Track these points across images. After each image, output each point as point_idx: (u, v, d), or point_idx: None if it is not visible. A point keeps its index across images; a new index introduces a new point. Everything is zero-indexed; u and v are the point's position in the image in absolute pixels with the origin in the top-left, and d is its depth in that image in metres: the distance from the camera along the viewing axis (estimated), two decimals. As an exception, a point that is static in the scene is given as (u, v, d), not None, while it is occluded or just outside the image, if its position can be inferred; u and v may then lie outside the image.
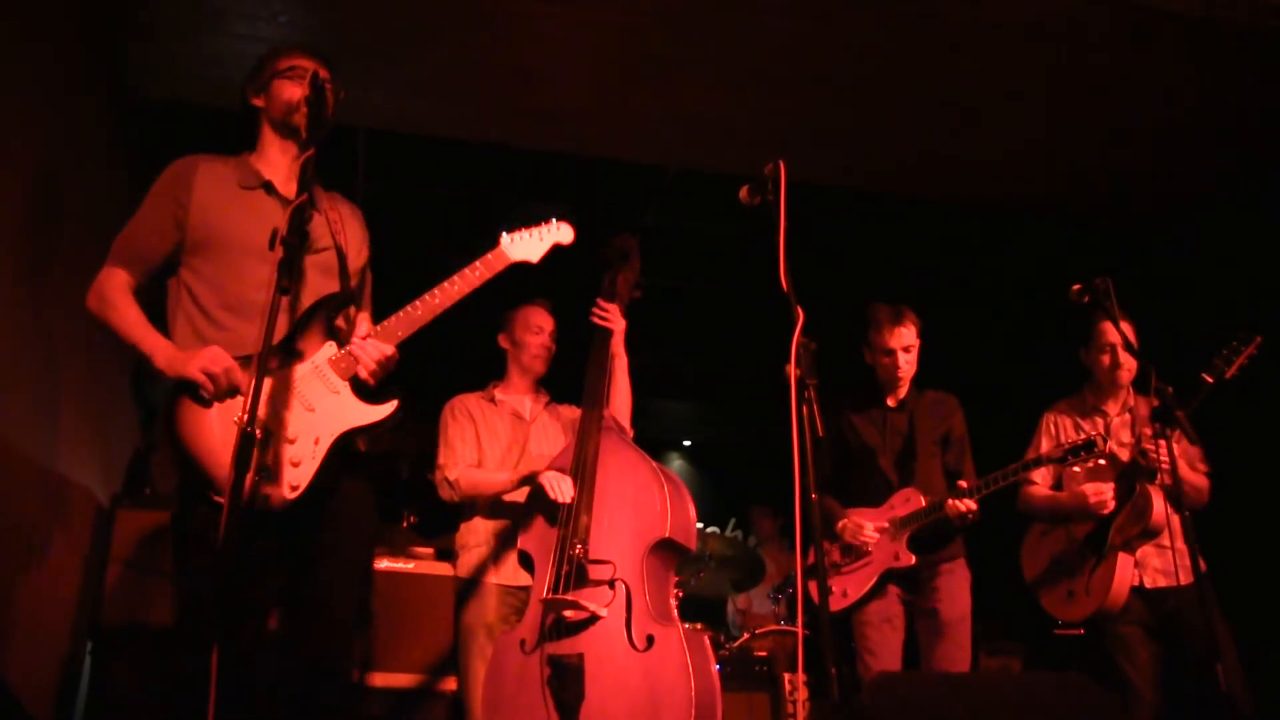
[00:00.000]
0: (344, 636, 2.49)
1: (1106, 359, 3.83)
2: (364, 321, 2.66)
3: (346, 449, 2.48)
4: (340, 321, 2.61)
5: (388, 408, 2.49)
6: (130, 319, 2.48)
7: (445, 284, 2.62)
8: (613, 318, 3.48)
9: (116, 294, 2.51)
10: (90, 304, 2.53)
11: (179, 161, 2.63)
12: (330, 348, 2.50)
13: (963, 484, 3.58)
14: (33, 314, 3.32)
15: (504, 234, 2.82)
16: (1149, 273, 5.34)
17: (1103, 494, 3.62)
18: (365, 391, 2.50)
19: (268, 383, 2.29)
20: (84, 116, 3.89)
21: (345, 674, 2.54)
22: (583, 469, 3.11)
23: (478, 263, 2.70)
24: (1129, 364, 3.78)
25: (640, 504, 3.02)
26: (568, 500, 3.07)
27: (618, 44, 4.25)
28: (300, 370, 2.46)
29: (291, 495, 2.33)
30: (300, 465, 2.36)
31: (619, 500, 3.05)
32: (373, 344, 2.50)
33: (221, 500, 2.18)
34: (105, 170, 3.92)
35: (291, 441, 2.37)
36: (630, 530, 3.00)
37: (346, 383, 2.48)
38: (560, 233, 2.90)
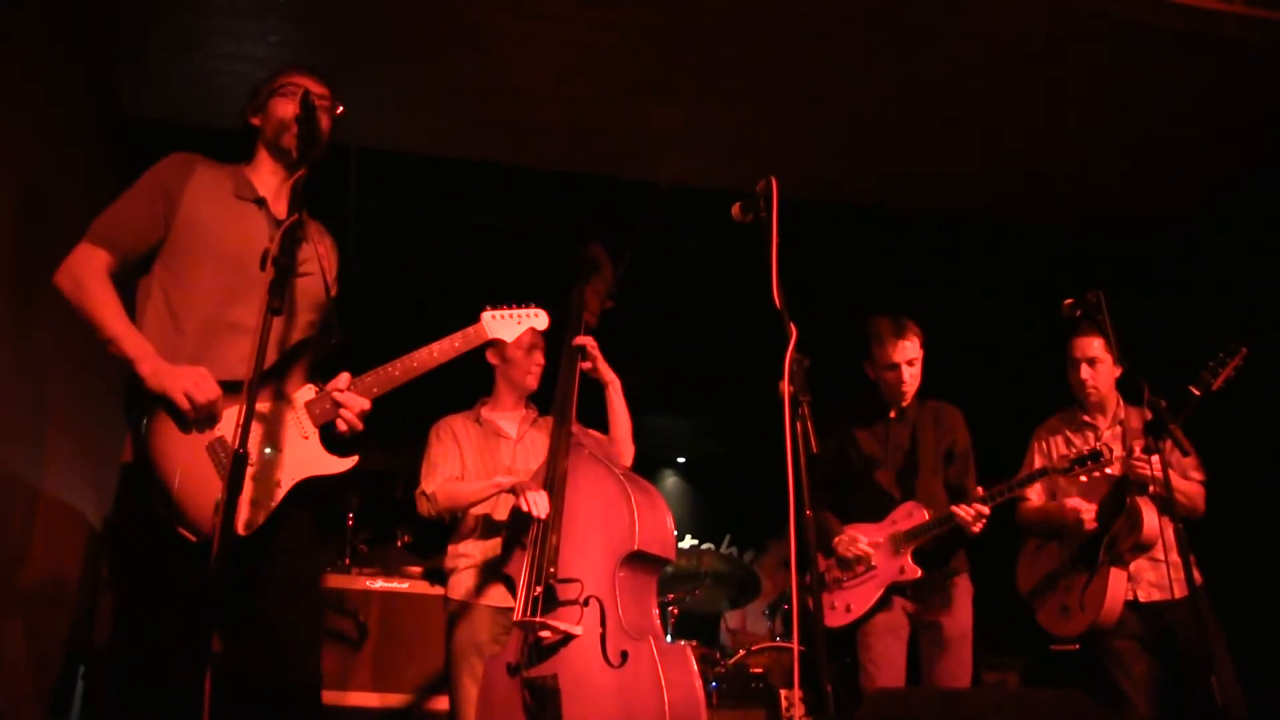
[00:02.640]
0: (307, 659, 2.47)
1: (1074, 374, 3.85)
2: (344, 373, 2.61)
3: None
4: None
5: (348, 462, 2.50)
6: (110, 310, 2.36)
7: (424, 350, 2.66)
8: (603, 371, 3.46)
9: (94, 279, 2.38)
10: (62, 283, 2.39)
11: (175, 156, 2.58)
12: (309, 390, 2.50)
13: (980, 490, 3.57)
14: (21, 334, 3.30)
15: (486, 311, 2.92)
16: (1143, 283, 5.36)
17: (1081, 509, 3.63)
18: (330, 441, 2.49)
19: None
20: (74, 135, 3.89)
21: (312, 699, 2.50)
22: (551, 487, 3.11)
23: (457, 335, 2.76)
24: (1094, 379, 3.80)
25: (609, 519, 3.01)
26: (543, 515, 3.06)
27: (609, 62, 4.27)
28: (278, 408, 2.44)
29: (245, 533, 2.29)
30: (258, 504, 2.33)
31: (588, 517, 3.05)
32: (353, 398, 2.49)
33: (186, 534, 2.24)
34: (95, 189, 3.90)
35: (255, 479, 2.34)
36: (600, 546, 2.99)
37: (316, 430, 2.47)
38: (537, 320, 3.03)
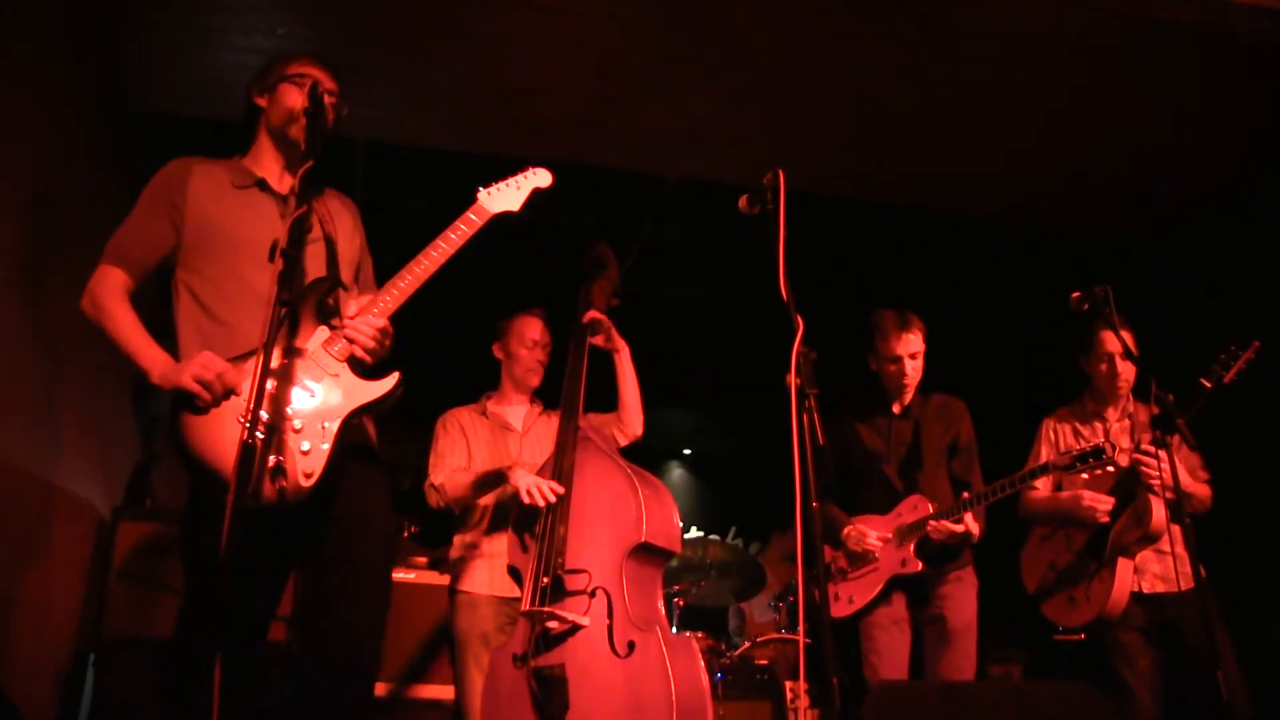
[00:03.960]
0: (367, 647, 2.44)
1: (1105, 367, 3.84)
2: (350, 301, 2.60)
3: (358, 443, 2.47)
4: (330, 303, 2.58)
5: (389, 381, 2.45)
6: (126, 327, 2.43)
7: (429, 249, 2.58)
8: (614, 338, 3.47)
9: (111, 298, 2.45)
10: (84, 306, 2.48)
11: (172, 164, 2.61)
12: (323, 331, 2.47)
13: (965, 495, 3.59)
14: (32, 326, 3.32)
15: (481, 189, 2.78)
16: (1149, 280, 5.35)
17: (1099, 502, 3.62)
18: (364, 370, 2.47)
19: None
20: (83, 129, 3.91)
21: (368, 689, 2.47)
22: (559, 480, 3.12)
23: (458, 222, 2.65)
24: (1127, 373, 3.80)
25: (616, 511, 3.02)
26: (548, 501, 3.06)
27: (616, 56, 4.27)
28: (296, 361, 2.41)
29: (307, 484, 2.29)
30: (311, 453, 2.32)
31: (596, 509, 3.06)
32: (363, 321, 2.46)
33: (252, 503, 2.15)
34: (104, 183, 3.93)
35: (298, 431, 2.33)
36: (607, 538, 3.00)
37: (344, 364, 2.44)
38: (538, 177, 2.87)
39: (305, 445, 2.32)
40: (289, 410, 2.35)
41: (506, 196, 2.80)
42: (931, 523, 3.56)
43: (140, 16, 4.01)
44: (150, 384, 2.37)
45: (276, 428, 2.30)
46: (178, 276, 2.54)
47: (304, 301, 2.47)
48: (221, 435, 2.29)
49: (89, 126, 3.98)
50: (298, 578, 2.50)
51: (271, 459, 2.26)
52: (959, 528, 3.52)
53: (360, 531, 2.46)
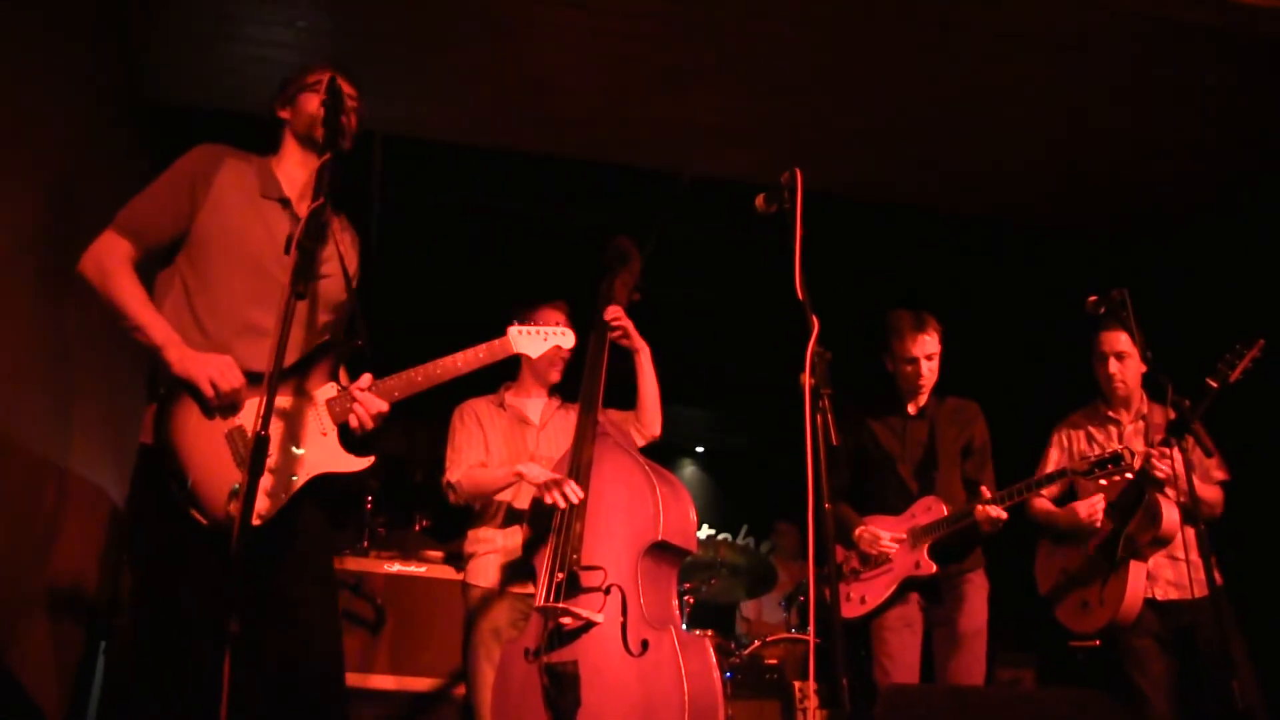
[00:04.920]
0: (322, 642, 2.46)
1: (1101, 369, 3.83)
2: (366, 374, 2.63)
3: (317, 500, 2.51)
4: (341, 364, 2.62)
5: (364, 462, 2.52)
6: (135, 299, 2.40)
7: (449, 359, 2.68)
8: (622, 319, 3.46)
9: (119, 266, 2.42)
10: (87, 270, 2.43)
11: (203, 148, 2.60)
12: (331, 388, 2.53)
13: (986, 492, 3.57)
14: (49, 315, 3.34)
15: (512, 327, 2.91)
16: (1165, 283, 5.31)
17: (1092, 509, 3.63)
18: (349, 440, 2.52)
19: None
20: (101, 120, 3.92)
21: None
22: (576, 475, 3.11)
23: (482, 347, 2.77)
24: (1122, 374, 3.79)
25: (634, 508, 3.02)
26: (575, 501, 3.06)
27: (634, 51, 4.25)
28: (299, 404, 2.47)
29: (257, 522, 2.30)
30: (273, 495, 2.36)
31: (613, 505, 3.06)
32: (371, 399, 2.51)
33: (199, 517, 2.27)
34: (122, 174, 3.94)
35: (272, 470, 2.36)
36: (624, 535, 3.00)
37: (336, 427, 2.50)
38: (564, 339, 3.01)
39: (271, 488, 2.36)
40: (276, 448, 2.38)
41: (531, 342, 2.92)
42: (980, 507, 3.51)
43: (158, 5, 4.01)
44: (165, 372, 2.37)
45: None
46: (176, 266, 2.52)
47: (325, 354, 2.54)
48: (202, 441, 2.33)
49: (106, 115, 4.00)
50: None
51: (237, 484, 2.30)
52: (1004, 514, 3.49)
53: (309, 543, 2.49)
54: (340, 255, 2.66)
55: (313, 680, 2.42)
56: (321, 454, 2.47)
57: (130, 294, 2.40)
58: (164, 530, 2.33)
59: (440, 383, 2.63)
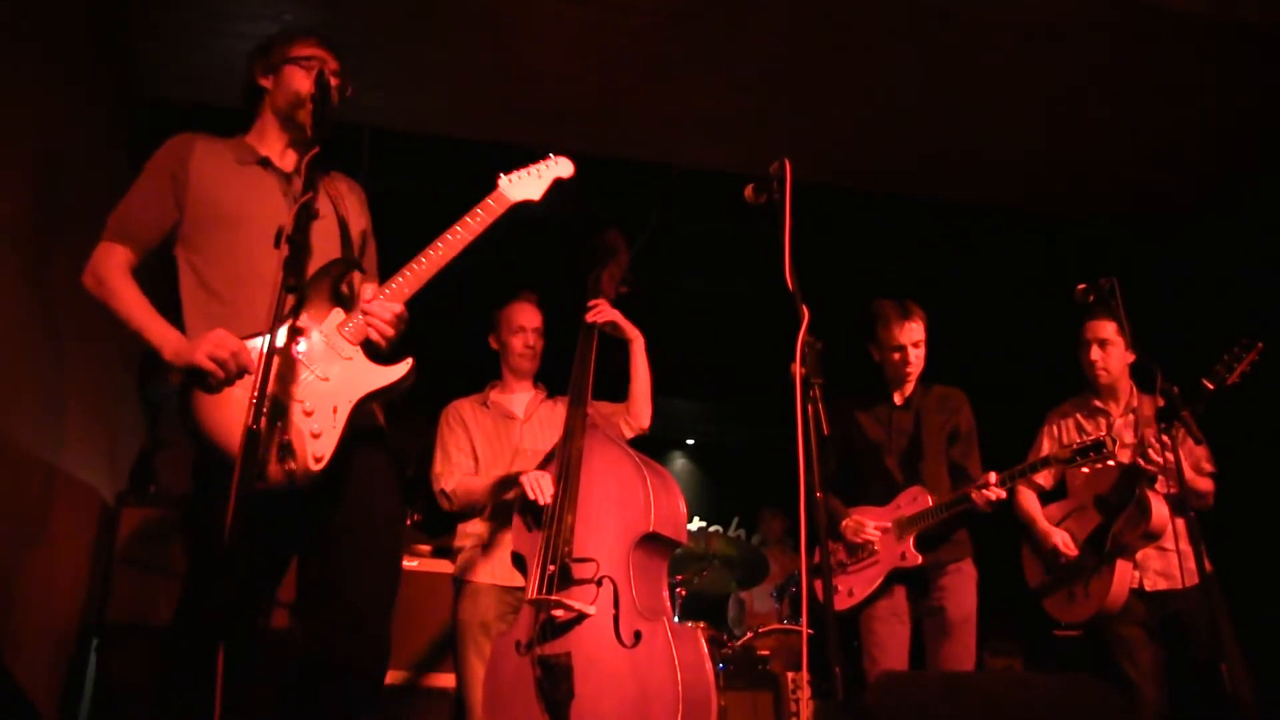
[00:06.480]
0: (374, 630, 2.41)
1: (1085, 356, 3.85)
2: (369, 285, 2.58)
3: (367, 427, 2.45)
4: (344, 288, 2.56)
5: (402, 368, 2.44)
6: (134, 304, 2.40)
7: (447, 234, 2.56)
8: (602, 310, 3.43)
9: (115, 275, 2.42)
10: (87, 283, 2.44)
11: (174, 139, 2.58)
12: (338, 314, 2.46)
13: (992, 477, 3.58)
14: (38, 311, 3.32)
15: (502, 175, 2.74)
16: (1155, 273, 5.33)
17: (1069, 545, 3.68)
18: (377, 354, 2.45)
19: (275, 359, 2.20)
20: (90, 114, 3.90)
21: (376, 674, 2.45)
22: (567, 468, 3.10)
23: (478, 208, 2.63)
24: (1104, 361, 3.81)
25: (624, 500, 3.01)
26: (547, 501, 3.06)
27: (623, 44, 4.25)
28: (309, 340, 2.40)
29: (316, 467, 2.28)
30: (321, 436, 2.31)
31: (603, 497, 3.05)
32: (381, 304, 2.44)
33: (260, 485, 2.17)
34: (111, 168, 3.92)
35: (309, 414, 2.32)
36: (615, 526, 2.99)
37: (358, 347, 2.43)
38: (560, 167, 2.84)
39: (315, 428, 2.31)
40: (300, 393, 2.34)
41: (527, 185, 2.76)
42: (975, 492, 3.51)
43: (149, 2, 4.00)
44: (157, 365, 2.36)
45: (285, 410, 2.29)
46: (181, 254, 2.51)
47: (318, 282, 2.45)
48: (234, 415, 2.25)
49: (97, 110, 3.98)
50: (301, 563, 2.49)
51: (280, 440, 2.25)
52: (1004, 493, 3.50)
53: (368, 515, 2.45)
54: (331, 199, 2.59)
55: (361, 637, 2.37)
56: (353, 377, 2.39)
57: (126, 300, 2.40)
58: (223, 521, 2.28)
59: (448, 261, 2.51)
